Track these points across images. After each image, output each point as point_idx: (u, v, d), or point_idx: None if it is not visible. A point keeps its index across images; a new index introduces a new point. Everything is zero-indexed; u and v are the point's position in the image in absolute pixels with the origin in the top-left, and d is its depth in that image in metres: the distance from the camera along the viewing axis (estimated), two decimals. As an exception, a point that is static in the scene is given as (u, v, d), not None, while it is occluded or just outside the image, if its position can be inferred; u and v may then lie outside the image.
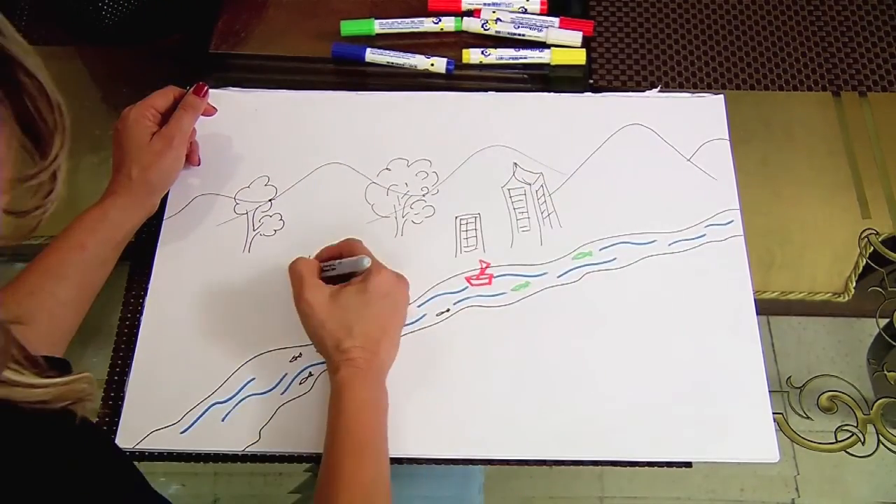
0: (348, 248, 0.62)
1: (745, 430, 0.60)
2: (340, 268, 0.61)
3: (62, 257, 0.60)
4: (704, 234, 0.68)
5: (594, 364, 0.63)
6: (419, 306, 0.65)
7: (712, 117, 0.74)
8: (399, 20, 0.79)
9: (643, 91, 0.77)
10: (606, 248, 0.68)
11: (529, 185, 0.71)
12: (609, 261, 0.67)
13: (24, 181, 0.36)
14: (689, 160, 0.72)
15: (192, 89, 0.68)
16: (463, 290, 0.66)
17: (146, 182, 0.64)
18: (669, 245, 0.68)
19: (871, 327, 0.67)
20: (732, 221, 0.69)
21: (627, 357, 0.63)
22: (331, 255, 0.63)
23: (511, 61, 0.78)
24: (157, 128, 0.65)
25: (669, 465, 0.61)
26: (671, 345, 0.64)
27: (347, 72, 0.78)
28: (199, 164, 0.71)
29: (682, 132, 0.73)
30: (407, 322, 0.64)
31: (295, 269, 0.60)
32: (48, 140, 0.37)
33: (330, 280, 0.61)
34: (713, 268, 0.67)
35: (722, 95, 0.76)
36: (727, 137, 0.73)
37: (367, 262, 0.60)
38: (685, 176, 0.71)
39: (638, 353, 0.63)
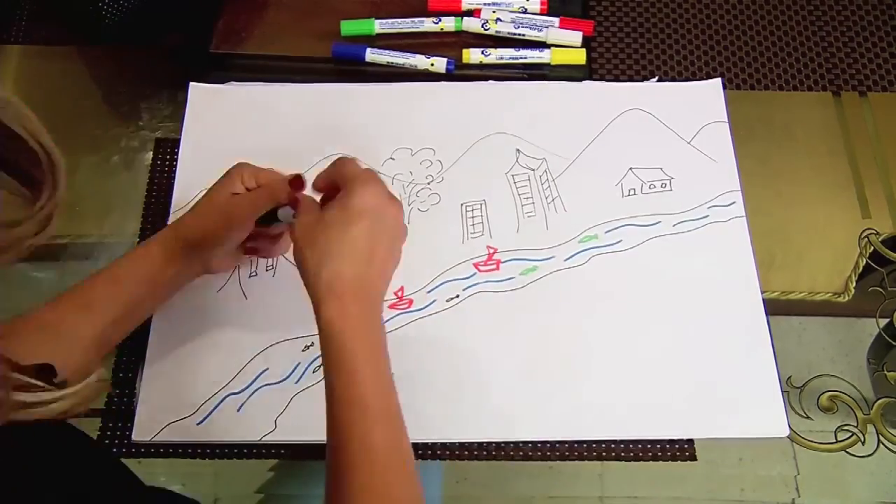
0: (340, 169, 0.54)
1: (753, 406, 0.61)
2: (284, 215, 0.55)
3: (95, 288, 0.57)
4: (708, 216, 0.69)
5: (603, 345, 0.64)
6: (429, 292, 0.66)
7: (711, 101, 0.75)
8: (399, 20, 0.79)
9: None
10: (611, 230, 0.69)
11: (533, 170, 0.72)
12: (615, 243, 0.68)
13: (9, 226, 0.33)
14: (689, 143, 0.73)
15: (289, 178, 0.56)
16: (471, 276, 0.67)
17: (193, 248, 0.59)
18: (674, 226, 0.69)
19: (871, 327, 0.67)
20: (734, 203, 0.70)
21: (635, 337, 0.64)
22: (316, 184, 0.56)
23: (511, 61, 0.78)
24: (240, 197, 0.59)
25: (674, 457, 0.61)
26: (678, 324, 0.65)
27: (347, 72, 0.78)
28: (264, 256, 0.66)
29: (681, 116, 0.74)
30: (417, 308, 0.65)
31: (265, 192, 0.55)
32: (38, 186, 0.34)
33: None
34: (717, 248, 0.68)
35: (720, 80, 0.76)
36: (726, 120, 0.74)
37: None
38: (686, 159, 0.72)
39: (646, 332, 0.64)
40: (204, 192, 0.72)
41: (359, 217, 0.50)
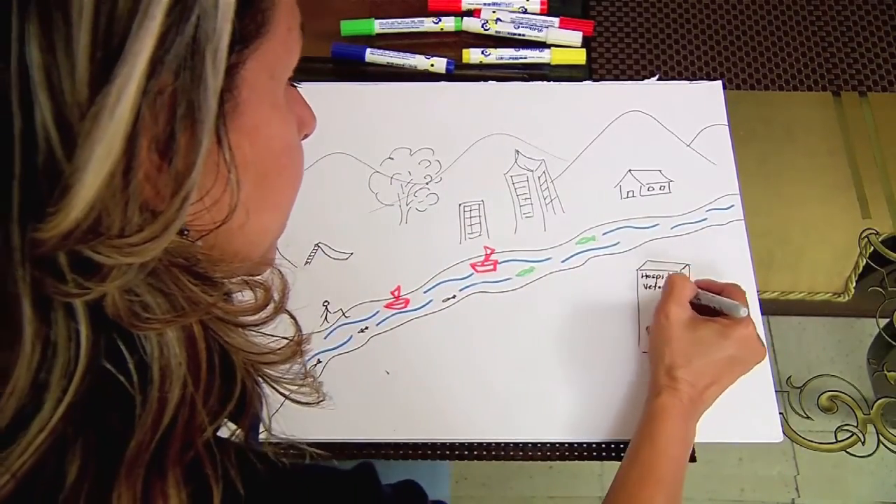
0: (731, 291, 0.60)
1: (748, 410, 0.61)
2: (714, 302, 0.60)
3: None
4: (706, 219, 0.69)
5: (600, 347, 0.64)
6: (425, 292, 0.66)
7: (711, 103, 0.75)
8: (399, 20, 0.79)
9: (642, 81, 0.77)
10: (609, 232, 0.69)
11: (531, 171, 0.72)
12: (612, 245, 0.68)
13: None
14: (688, 146, 0.73)
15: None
16: (468, 276, 0.67)
17: None
18: (672, 229, 0.69)
19: (871, 327, 0.66)
20: (733, 206, 0.70)
21: (632, 339, 0.64)
22: (710, 287, 0.62)
23: (511, 61, 0.78)
24: None
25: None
26: None
27: (347, 72, 0.78)
28: None
29: (681, 118, 0.74)
30: (413, 308, 0.65)
31: (672, 280, 0.60)
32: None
33: (697, 308, 0.60)
34: (715, 251, 0.68)
35: (720, 82, 0.76)
36: (726, 123, 0.74)
37: (744, 312, 0.58)
38: (686, 161, 0.72)
39: (642, 335, 0.64)
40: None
41: (732, 348, 0.57)
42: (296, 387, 0.41)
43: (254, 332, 0.36)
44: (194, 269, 0.31)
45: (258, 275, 0.37)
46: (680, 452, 0.55)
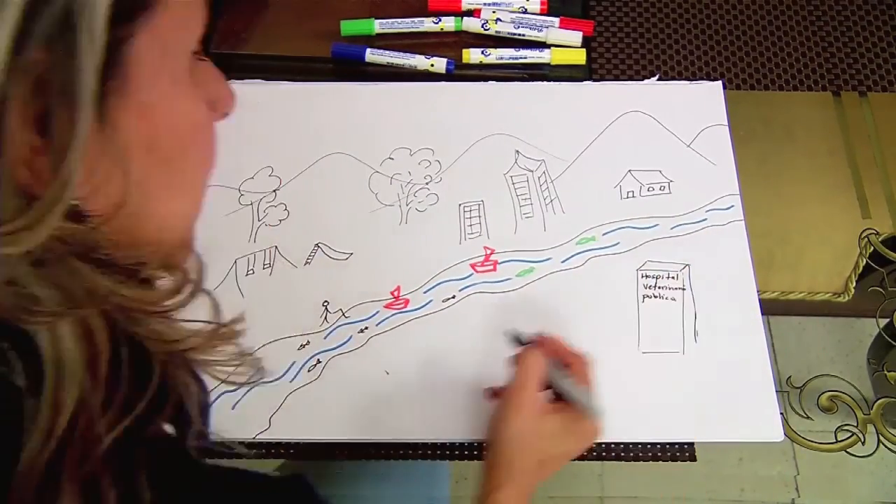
0: (582, 370, 0.56)
1: (749, 409, 0.61)
2: (571, 396, 0.54)
3: None
4: (706, 219, 0.69)
5: (599, 347, 0.63)
6: (425, 293, 0.66)
7: (711, 103, 0.75)
8: (399, 20, 0.79)
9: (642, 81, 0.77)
10: (609, 232, 0.69)
11: (531, 171, 0.72)
12: (612, 245, 0.68)
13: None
14: (688, 146, 0.73)
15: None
16: (468, 276, 0.67)
17: None
18: (672, 229, 0.69)
19: (871, 327, 0.66)
20: (733, 206, 0.70)
21: (631, 340, 0.64)
22: (560, 355, 0.56)
23: (511, 61, 0.78)
24: None
25: (674, 457, 0.61)
26: (675, 327, 0.65)
27: (347, 72, 0.78)
28: None
29: (681, 119, 0.74)
30: (412, 308, 0.65)
31: (528, 364, 0.53)
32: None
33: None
34: (715, 251, 0.68)
35: (720, 82, 0.76)
36: (726, 123, 0.74)
37: (600, 415, 0.54)
38: (686, 161, 0.72)
39: (642, 335, 0.64)
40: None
41: (576, 442, 0.53)
42: (232, 368, 0.39)
43: (178, 318, 0.34)
44: (95, 256, 0.29)
45: (179, 261, 0.35)
46: None
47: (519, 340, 0.56)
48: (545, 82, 0.77)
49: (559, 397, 0.54)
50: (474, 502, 0.52)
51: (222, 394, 0.62)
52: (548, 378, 0.54)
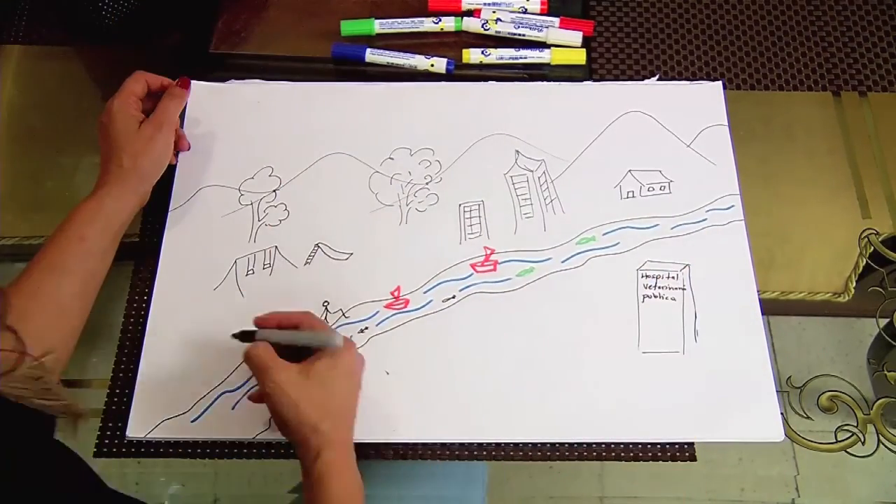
0: (308, 322, 0.58)
1: (749, 409, 0.61)
2: (301, 340, 0.57)
3: (63, 250, 0.59)
4: (706, 219, 0.69)
5: (599, 347, 0.64)
6: (425, 293, 0.66)
7: (711, 104, 0.75)
8: (399, 20, 0.79)
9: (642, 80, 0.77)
10: (609, 232, 0.69)
11: (532, 171, 0.72)
12: (612, 245, 0.68)
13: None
14: (689, 146, 0.73)
15: (177, 82, 0.70)
16: (468, 276, 0.67)
17: (138, 169, 0.63)
18: (672, 229, 0.69)
19: (871, 327, 0.67)
20: (733, 206, 0.70)
21: (632, 339, 0.64)
22: (280, 323, 0.59)
23: (511, 61, 0.78)
24: (142, 116, 0.66)
25: (674, 457, 0.61)
26: (675, 326, 0.65)
27: (347, 72, 0.78)
28: (188, 149, 0.72)
29: (681, 119, 0.74)
30: (413, 308, 0.65)
31: (253, 357, 0.55)
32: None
33: (282, 352, 0.56)
34: (715, 251, 0.68)
35: (720, 82, 0.76)
36: (726, 123, 0.74)
37: (340, 340, 0.56)
38: (686, 161, 0.72)
39: (642, 335, 0.64)
40: (203, 188, 0.72)
41: (347, 376, 0.57)
42: (39, 399, 0.39)
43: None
44: None
45: None
46: (360, 498, 0.54)
47: (244, 336, 0.58)
48: (545, 82, 0.77)
49: (305, 358, 0.56)
50: (305, 480, 0.53)
51: (222, 394, 0.62)
52: (283, 347, 0.56)
